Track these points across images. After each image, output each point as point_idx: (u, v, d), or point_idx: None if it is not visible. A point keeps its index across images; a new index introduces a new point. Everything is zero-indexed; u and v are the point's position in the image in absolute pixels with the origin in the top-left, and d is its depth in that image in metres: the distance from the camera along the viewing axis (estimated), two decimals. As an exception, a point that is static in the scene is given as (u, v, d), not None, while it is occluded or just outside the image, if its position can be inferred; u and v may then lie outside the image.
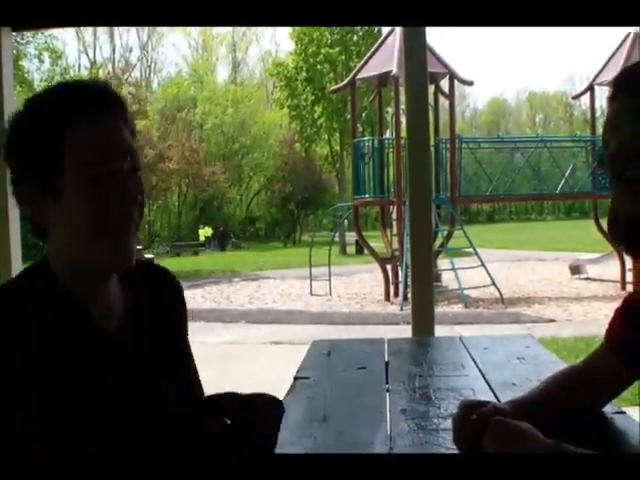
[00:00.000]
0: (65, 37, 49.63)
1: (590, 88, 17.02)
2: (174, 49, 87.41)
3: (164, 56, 58.94)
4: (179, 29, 52.40)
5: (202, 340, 10.60)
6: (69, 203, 1.24)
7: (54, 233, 1.29)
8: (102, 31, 49.50)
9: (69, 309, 1.27)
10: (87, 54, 51.05)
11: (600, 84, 16.76)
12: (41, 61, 38.90)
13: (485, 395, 1.74)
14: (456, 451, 1.35)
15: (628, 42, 16.47)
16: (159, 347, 1.38)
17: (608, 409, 1.59)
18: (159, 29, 50.76)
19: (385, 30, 19.42)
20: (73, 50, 75.59)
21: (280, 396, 1.83)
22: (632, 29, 16.74)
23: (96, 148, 1.25)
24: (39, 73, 40.31)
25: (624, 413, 1.58)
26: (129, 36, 71.91)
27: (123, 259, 1.29)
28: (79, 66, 48.44)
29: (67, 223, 1.25)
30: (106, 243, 1.25)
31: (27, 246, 3.69)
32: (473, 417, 1.31)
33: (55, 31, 35.02)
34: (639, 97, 1.28)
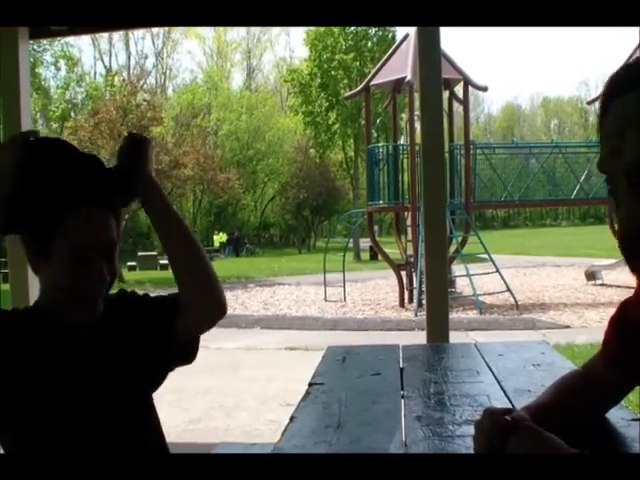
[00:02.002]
0: (81, 44, 50.10)
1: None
2: (189, 56, 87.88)
3: (179, 63, 59.53)
4: (194, 35, 52.62)
5: (217, 346, 10.62)
6: (53, 266, 1.50)
7: (42, 278, 1.55)
8: (117, 38, 49.86)
9: (42, 323, 1.54)
10: (103, 61, 51.45)
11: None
12: (57, 68, 39.24)
13: (500, 402, 1.74)
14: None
15: (644, 46, 16.38)
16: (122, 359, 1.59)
17: (626, 415, 1.58)
18: (174, 36, 51.02)
19: (399, 36, 19.44)
20: (89, 57, 76.06)
21: (295, 402, 1.83)
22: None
23: (84, 235, 1.50)
24: (55, 80, 40.63)
25: (641, 420, 1.57)
26: (144, 43, 72.35)
27: (89, 315, 1.54)
28: (95, 73, 48.81)
29: (49, 278, 1.53)
30: (75, 305, 1.52)
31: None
32: (506, 417, 1.30)
33: (71, 38, 35.30)
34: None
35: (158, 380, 1.64)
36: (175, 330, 1.59)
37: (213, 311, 1.65)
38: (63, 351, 1.53)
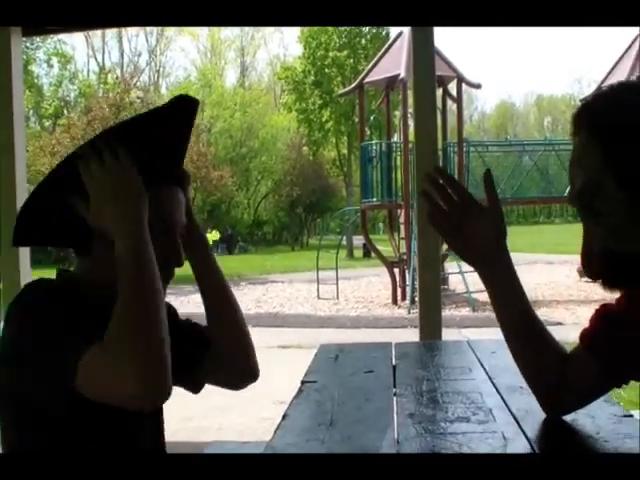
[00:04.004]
0: (74, 42, 49.84)
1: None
2: (182, 53, 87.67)
3: (172, 60, 59.34)
4: (187, 33, 52.55)
5: (210, 344, 10.61)
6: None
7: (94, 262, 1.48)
8: (111, 35, 49.72)
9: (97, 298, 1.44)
10: (96, 58, 51.25)
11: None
12: (50, 66, 39.15)
13: (493, 399, 1.74)
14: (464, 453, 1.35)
15: (637, 44, 16.43)
16: None
17: (617, 412, 1.59)
18: (167, 33, 50.92)
19: (393, 33, 19.45)
20: (82, 55, 75.88)
21: (287, 400, 1.83)
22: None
23: (172, 211, 1.51)
24: (48, 78, 40.52)
25: (632, 416, 1.57)
26: (138, 40, 72.14)
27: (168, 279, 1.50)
28: (88, 71, 48.66)
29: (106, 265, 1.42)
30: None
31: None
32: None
33: (64, 36, 35.19)
34: (600, 132, 1.29)
35: None
36: (196, 378, 1.62)
37: (243, 376, 1.72)
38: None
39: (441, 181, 1.53)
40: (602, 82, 17.04)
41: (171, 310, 1.63)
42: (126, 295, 1.30)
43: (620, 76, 16.33)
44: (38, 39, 32.29)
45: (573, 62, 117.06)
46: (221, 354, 1.63)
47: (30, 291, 1.43)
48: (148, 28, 46.25)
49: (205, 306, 1.64)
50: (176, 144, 1.55)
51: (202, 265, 1.65)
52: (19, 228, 1.49)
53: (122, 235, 1.35)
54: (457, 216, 1.51)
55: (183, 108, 1.51)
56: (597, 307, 1.52)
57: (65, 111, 38.08)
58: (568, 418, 1.55)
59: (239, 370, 1.69)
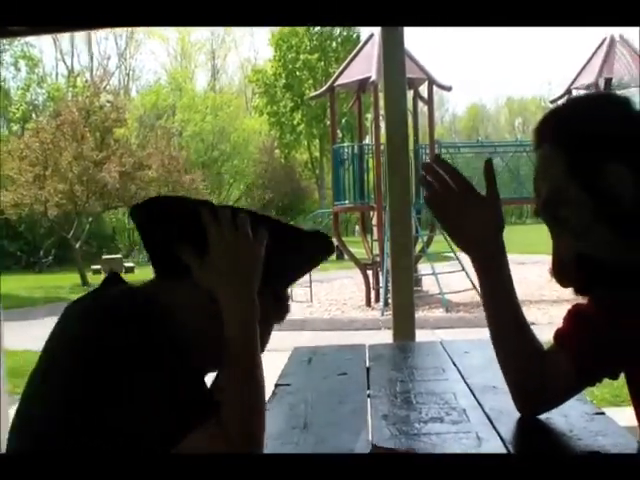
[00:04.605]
0: (42, 44, 49.42)
1: (568, 92, 17.16)
2: (152, 57, 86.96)
3: (142, 64, 59.03)
4: (157, 36, 52.30)
5: (183, 348, 10.55)
6: None
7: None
8: (80, 39, 49.28)
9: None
10: (64, 62, 50.74)
11: (577, 88, 16.91)
12: (17, 69, 38.73)
13: (466, 399, 1.74)
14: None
15: (604, 46, 16.64)
16: None
17: (589, 410, 1.60)
18: (137, 36, 50.62)
19: (364, 36, 19.51)
20: (50, 58, 74.98)
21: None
22: (609, 33, 16.95)
23: None
24: (15, 81, 40.08)
25: (604, 414, 1.58)
26: (107, 44, 71.65)
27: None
28: (56, 74, 48.22)
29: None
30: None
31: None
32: None
33: (31, 38, 34.90)
34: (562, 142, 1.32)
35: None
36: None
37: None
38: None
39: (440, 170, 1.54)
40: (571, 83, 17.23)
41: None
42: (238, 375, 1.31)
43: (589, 77, 16.53)
44: (5, 42, 31.93)
45: (543, 64, 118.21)
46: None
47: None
48: (117, 31, 45.93)
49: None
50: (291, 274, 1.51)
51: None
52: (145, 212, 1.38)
53: (235, 313, 1.33)
54: (455, 201, 1.52)
55: (322, 251, 1.47)
56: (569, 307, 1.53)
57: (33, 115, 37.68)
58: (541, 417, 1.56)
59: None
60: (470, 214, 1.51)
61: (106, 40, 52.30)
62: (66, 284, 21.10)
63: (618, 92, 14.27)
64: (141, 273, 27.88)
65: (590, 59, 17.08)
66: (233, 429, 1.23)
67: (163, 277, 1.39)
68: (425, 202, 1.57)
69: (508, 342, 1.56)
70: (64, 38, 46.87)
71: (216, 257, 1.32)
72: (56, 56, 49.69)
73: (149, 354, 1.21)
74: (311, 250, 1.45)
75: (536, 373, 1.52)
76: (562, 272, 1.38)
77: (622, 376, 1.47)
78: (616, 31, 17.31)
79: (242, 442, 1.24)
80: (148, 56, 62.39)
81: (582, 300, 1.47)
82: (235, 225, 1.33)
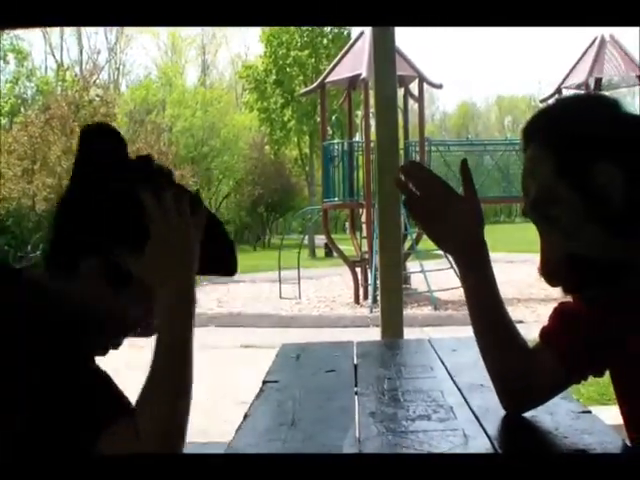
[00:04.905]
0: (31, 38, 49.08)
1: (558, 91, 17.21)
2: (143, 51, 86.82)
3: (133, 58, 58.88)
4: (148, 31, 52.13)
5: (171, 344, 10.52)
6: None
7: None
8: (69, 32, 49.07)
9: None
10: (54, 55, 50.52)
11: (568, 87, 16.96)
12: (6, 62, 38.48)
13: (454, 396, 1.75)
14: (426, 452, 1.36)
15: (595, 46, 16.69)
16: None
17: (575, 408, 1.61)
18: (127, 31, 50.44)
19: (355, 33, 19.50)
20: (40, 51, 74.59)
21: (249, 400, 1.82)
22: (599, 33, 16.99)
23: None
24: (4, 74, 39.82)
25: (590, 412, 1.59)
26: (97, 38, 71.31)
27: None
28: (46, 68, 48.00)
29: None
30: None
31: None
32: None
33: (20, 32, 34.68)
34: (551, 141, 1.33)
35: None
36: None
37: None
38: None
39: (414, 172, 1.55)
40: (562, 82, 17.27)
41: None
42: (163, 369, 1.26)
43: (579, 77, 16.58)
44: (-6, 35, 31.76)
45: (533, 63, 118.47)
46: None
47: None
48: (108, 26, 45.71)
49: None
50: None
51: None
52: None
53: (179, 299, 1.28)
54: (434, 204, 1.52)
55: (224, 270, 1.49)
56: (555, 305, 1.54)
57: (22, 109, 37.48)
58: (528, 415, 1.57)
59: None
60: (450, 215, 1.52)
61: (96, 34, 52.09)
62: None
63: (608, 92, 14.32)
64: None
65: (580, 59, 17.12)
66: (144, 425, 1.20)
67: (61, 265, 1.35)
68: (404, 207, 1.57)
69: (492, 340, 1.57)
70: (54, 32, 46.71)
71: (160, 241, 1.28)
72: (45, 50, 49.53)
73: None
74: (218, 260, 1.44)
75: (521, 371, 1.52)
76: (551, 271, 1.39)
77: (608, 375, 1.48)
78: (607, 31, 17.39)
79: (155, 441, 1.20)
80: (138, 51, 62.30)
81: (568, 298, 1.47)
82: (176, 209, 1.29)
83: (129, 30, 50.15)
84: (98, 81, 37.82)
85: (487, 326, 1.58)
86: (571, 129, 1.32)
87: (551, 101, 1.54)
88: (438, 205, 1.52)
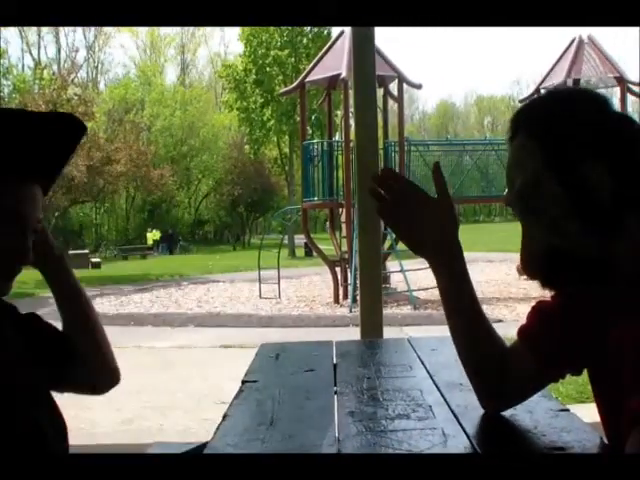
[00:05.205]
0: (7, 35, 48.70)
1: (537, 91, 17.32)
2: (122, 50, 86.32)
3: (111, 57, 58.64)
4: (127, 29, 51.86)
5: (150, 345, 10.50)
6: None
7: None
8: (47, 30, 48.77)
9: None
10: (31, 53, 50.20)
11: (546, 88, 17.05)
12: (-18, 60, 38.08)
13: (433, 395, 1.75)
14: (404, 452, 1.36)
15: (573, 47, 16.82)
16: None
17: (553, 406, 1.61)
18: (106, 29, 50.16)
19: (334, 33, 19.50)
20: (16, 49, 73.97)
21: (229, 400, 1.81)
22: (577, 34, 17.12)
23: None
24: (-20, 72, 39.45)
25: (568, 410, 1.60)
26: (75, 36, 70.75)
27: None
28: (22, 66, 47.64)
29: None
30: None
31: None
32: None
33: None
34: (538, 133, 1.33)
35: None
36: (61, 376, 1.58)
37: (103, 379, 1.67)
38: None
39: (387, 179, 1.55)
40: (540, 83, 17.38)
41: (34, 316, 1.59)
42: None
43: (558, 78, 16.70)
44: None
45: (512, 63, 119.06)
46: (81, 357, 1.60)
47: None
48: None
49: (66, 323, 1.61)
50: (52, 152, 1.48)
51: (65, 290, 1.63)
52: None
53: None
54: (406, 208, 1.52)
55: (71, 128, 1.46)
56: (534, 303, 1.55)
57: (-1, 107, 37.18)
58: (507, 413, 1.57)
59: (98, 372, 1.64)
60: (424, 217, 1.52)
61: (74, 32, 51.76)
62: (31, 280, 20.84)
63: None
64: (107, 269, 27.70)
65: (559, 60, 17.25)
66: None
67: None
68: (378, 214, 1.56)
69: (468, 340, 1.58)
70: (30, 30, 46.33)
71: None
72: (22, 47, 49.14)
73: None
74: (61, 132, 1.44)
75: (498, 370, 1.53)
76: (531, 264, 1.38)
77: (586, 373, 1.49)
78: (585, 32, 17.54)
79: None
80: (117, 49, 61.99)
81: (547, 296, 1.47)
82: None
83: (107, 28, 49.89)
84: (76, 79, 37.64)
85: (463, 326, 1.58)
86: (558, 122, 1.31)
87: (543, 92, 1.53)
88: (411, 210, 1.52)
